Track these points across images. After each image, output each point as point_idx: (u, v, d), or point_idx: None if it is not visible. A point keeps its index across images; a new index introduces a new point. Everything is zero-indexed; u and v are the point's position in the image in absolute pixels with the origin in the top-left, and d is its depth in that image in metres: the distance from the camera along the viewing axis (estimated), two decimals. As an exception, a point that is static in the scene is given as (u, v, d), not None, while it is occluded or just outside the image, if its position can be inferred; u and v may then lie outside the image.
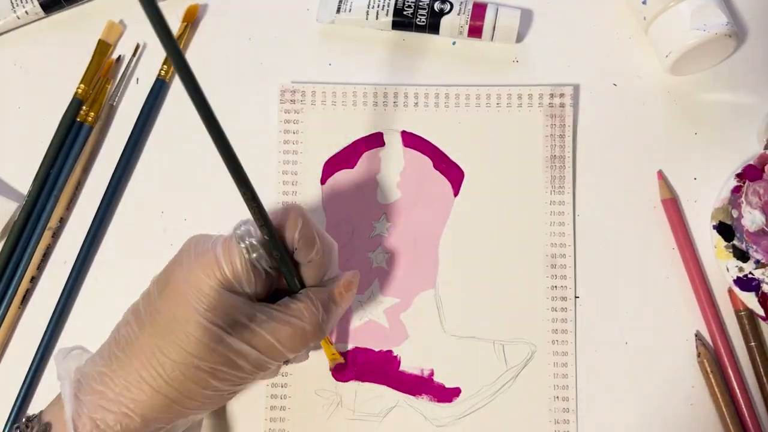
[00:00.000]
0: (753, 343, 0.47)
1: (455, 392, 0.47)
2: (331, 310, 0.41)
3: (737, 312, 0.47)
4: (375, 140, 0.50)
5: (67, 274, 0.49)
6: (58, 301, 0.48)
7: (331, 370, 0.47)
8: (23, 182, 0.50)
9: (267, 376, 0.44)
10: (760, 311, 0.46)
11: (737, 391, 0.46)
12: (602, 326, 0.48)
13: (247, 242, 0.38)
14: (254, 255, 0.38)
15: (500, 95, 0.50)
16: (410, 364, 0.48)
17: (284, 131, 0.50)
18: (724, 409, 0.46)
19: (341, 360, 0.47)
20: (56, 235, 0.50)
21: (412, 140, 0.50)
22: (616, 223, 0.49)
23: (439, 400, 0.47)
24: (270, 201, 0.49)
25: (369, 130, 0.50)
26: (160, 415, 0.38)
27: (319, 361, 0.47)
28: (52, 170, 0.50)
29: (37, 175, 0.50)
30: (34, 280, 0.49)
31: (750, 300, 0.46)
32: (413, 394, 0.47)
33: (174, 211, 0.50)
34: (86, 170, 0.50)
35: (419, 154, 0.50)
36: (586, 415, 0.47)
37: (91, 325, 0.48)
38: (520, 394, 0.47)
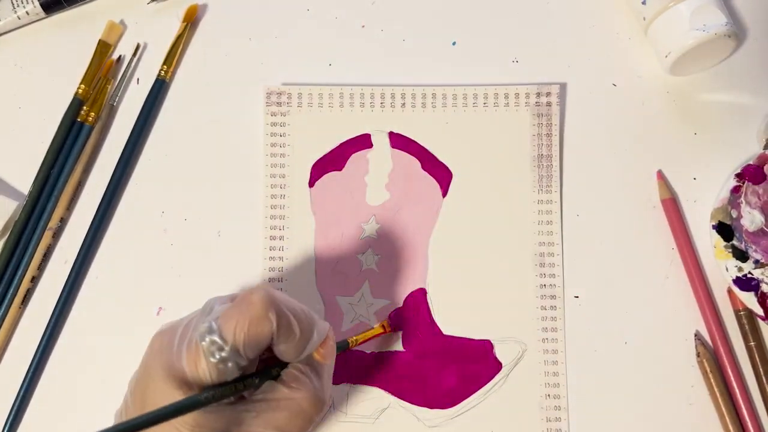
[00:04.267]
0: (752, 343, 0.47)
1: (451, 401, 0.47)
2: (320, 375, 0.38)
3: (737, 312, 0.47)
4: (363, 142, 0.50)
5: (68, 274, 0.49)
6: (58, 301, 0.48)
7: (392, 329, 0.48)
8: (24, 182, 0.50)
9: None
10: (760, 311, 0.46)
11: (736, 390, 0.46)
12: (602, 326, 0.48)
13: (217, 357, 0.35)
14: (230, 365, 0.35)
15: (487, 95, 0.50)
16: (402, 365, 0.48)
17: (271, 134, 0.50)
18: (723, 409, 0.46)
19: (385, 327, 0.47)
20: (57, 234, 0.50)
21: (400, 141, 0.50)
22: (616, 223, 0.49)
23: (433, 407, 0.47)
24: (258, 203, 0.49)
25: (357, 131, 0.50)
26: None
27: None
28: (52, 170, 0.50)
29: (37, 175, 0.50)
30: (34, 279, 0.49)
31: (749, 300, 0.46)
32: (407, 400, 0.47)
33: (174, 211, 0.50)
34: (87, 170, 0.51)
35: (407, 155, 0.50)
36: (583, 414, 0.47)
37: (91, 324, 0.49)
38: (511, 393, 0.47)
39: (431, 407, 0.47)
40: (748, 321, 0.47)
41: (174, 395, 0.35)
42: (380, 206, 0.49)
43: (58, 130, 0.51)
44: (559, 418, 0.47)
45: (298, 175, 0.50)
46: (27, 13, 0.52)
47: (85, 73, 0.51)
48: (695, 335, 0.48)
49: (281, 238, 0.49)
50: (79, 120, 0.51)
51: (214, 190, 0.50)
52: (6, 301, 0.49)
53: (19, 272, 0.49)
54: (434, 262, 0.49)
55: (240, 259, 0.49)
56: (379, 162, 0.50)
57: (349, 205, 0.49)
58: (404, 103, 0.50)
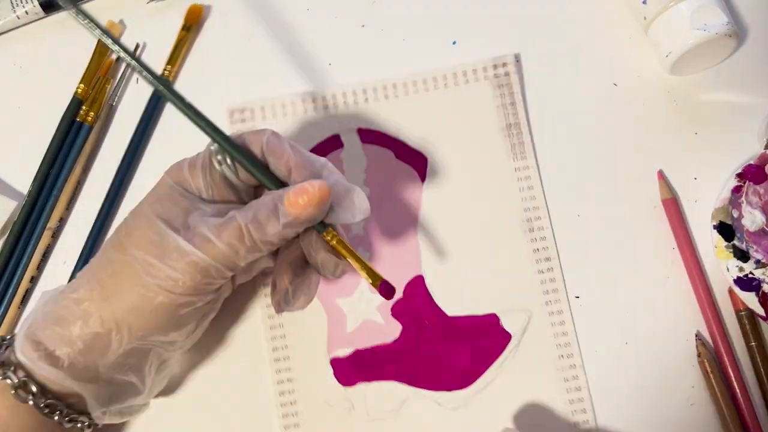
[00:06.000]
0: (753, 343, 0.47)
1: (467, 380, 0.47)
2: (280, 213, 0.38)
3: (737, 312, 0.47)
4: (333, 143, 0.50)
5: (67, 275, 0.49)
6: (58, 301, 0.48)
7: (379, 290, 0.41)
8: (23, 182, 0.50)
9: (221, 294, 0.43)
10: (761, 311, 0.46)
11: (737, 391, 0.46)
12: (602, 326, 0.48)
13: (213, 146, 0.39)
14: (218, 157, 0.39)
15: (446, 76, 0.51)
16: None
17: None
18: (724, 410, 0.46)
19: (380, 278, 0.41)
20: (56, 234, 0.50)
21: (369, 136, 0.50)
22: (616, 223, 0.49)
23: (451, 389, 0.47)
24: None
25: (325, 134, 0.50)
26: (115, 324, 0.38)
27: (322, 371, 0.47)
28: (51, 170, 0.50)
29: (36, 174, 0.50)
30: (33, 280, 0.49)
31: (750, 300, 0.46)
32: (425, 387, 0.47)
33: (174, 211, 0.50)
34: (86, 170, 0.50)
35: (379, 147, 0.50)
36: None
37: (90, 324, 0.49)
38: (525, 360, 0.47)
39: (450, 389, 0.47)
40: (749, 321, 0.47)
41: (162, 178, 0.40)
42: None
43: (58, 129, 0.51)
44: (576, 376, 0.47)
45: None
46: (26, 12, 0.52)
47: (85, 73, 0.51)
48: (696, 335, 0.48)
49: None
50: (78, 120, 0.51)
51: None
52: (5, 301, 0.48)
53: (18, 272, 0.49)
54: (426, 247, 0.49)
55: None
56: (353, 160, 0.50)
57: None
58: (367, 98, 0.50)
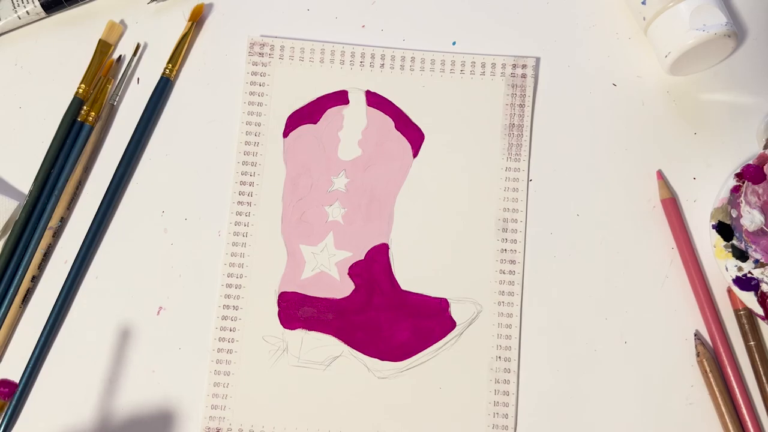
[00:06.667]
0: (752, 343, 0.47)
1: (403, 354, 0.48)
2: None
3: (736, 311, 0.48)
4: (340, 98, 0.51)
5: (67, 274, 0.49)
6: (57, 300, 0.48)
7: None
8: (24, 182, 0.50)
9: None
10: (759, 310, 0.46)
11: (736, 390, 0.46)
12: (601, 325, 0.48)
13: None
14: None
15: (464, 62, 0.51)
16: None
17: (251, 83, 0.51)
18: (723, 409, 0.46)
19: None
20: (57, 234, 0.50)
21: (376, 100, 0.51)
22: (616, 222, 0.49)
23: (384, 359, 0.48)
24: (233, 151, 0.50)
25: (335, 87, 0.51)
26: None
27: (268, 308, 0.48)
28: (52, 170, 0.50)
29: (37, 174, 0.50)
30: (35, 279, 0.49)
31: (749, 299, 0.46)
32: (360, 350, 0.48)
33: (174, 211, 0.50)
34: (87, 170, 0.51)
35: (382, 114, 0.51)
36: (582, 416, 0.47)
37: (91, 324, 0.49)
38: (462, 351, 0.48)
39: (383, 359, 0.48)
40: (747, 320, 0.47)
41: None
42: (351, 162, 0.50)
43: (59, 129, 0.51)
44: (508, 380, 0.47)
45: (274, 125, 0.51)
46: (27, 12, 0.52)
47: (86, 73, 0.52)
48: (695, 335, 0.48)
49: (251, 183, 0.50)
50: (79, 120, 0.51)
51: (214, 189, 0.50)
52: (6, 301, 0.49)
53: (20, 272, 0.49)
54: (399, 220, 0.50)
55: (240, 258, 0.49)
56: (354, 119, 0.51)
57: (321, 158, 0.50)
58: (383, 64, 0.51)
